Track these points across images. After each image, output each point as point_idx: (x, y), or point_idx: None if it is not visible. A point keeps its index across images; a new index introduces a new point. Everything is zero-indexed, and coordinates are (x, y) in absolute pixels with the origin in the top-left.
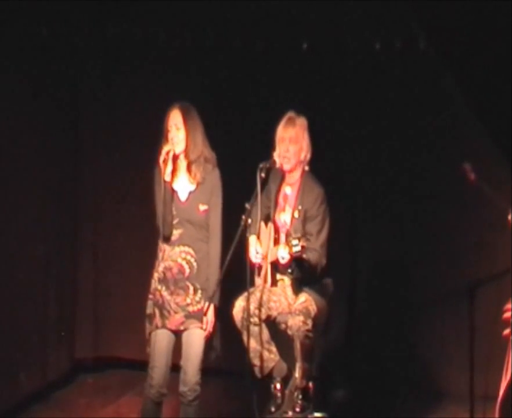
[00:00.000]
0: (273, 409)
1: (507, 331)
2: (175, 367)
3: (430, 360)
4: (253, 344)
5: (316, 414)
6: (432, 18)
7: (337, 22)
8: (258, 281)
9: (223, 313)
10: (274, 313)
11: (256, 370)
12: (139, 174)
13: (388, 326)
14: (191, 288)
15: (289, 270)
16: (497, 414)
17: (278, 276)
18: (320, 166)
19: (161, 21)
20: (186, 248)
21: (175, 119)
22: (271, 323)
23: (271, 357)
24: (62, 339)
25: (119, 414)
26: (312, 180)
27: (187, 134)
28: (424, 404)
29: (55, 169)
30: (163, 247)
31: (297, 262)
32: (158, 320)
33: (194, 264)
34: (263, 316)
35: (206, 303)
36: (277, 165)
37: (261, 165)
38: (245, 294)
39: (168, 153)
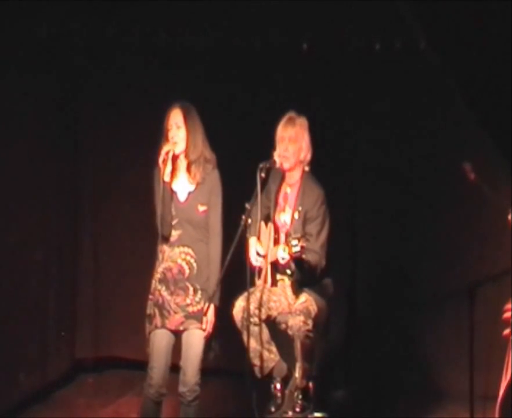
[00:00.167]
0: (273, 409)
1: (507, 331)
2: (175, 368)
3: (430, 360)
4: (253, 344)
5: (316, 414)
6: (432, 18)
7: (337, 22)
8: (258, 281)
9: (223, 313)
10: (274, 313)
11: (256, 370)
12: (139, 174)
13: (388, 326)
14: (191, 288)
15: (289, 272)
16: (497, 414)
17: (278, 276)
18: (320, 167)
19: (161, 21)
20: (186, 249)
21: (176, 118)
22: (271, 323)
23: (271, 357)
24: (62, 339)
25: (119, 414)
26: (312, 181)
27: (187, 134)
28: (424, 404)
29: (55, 169)
30: (163, 248)
31: (297, 263)
32: (157, 320)
33: (194, 264)
34: (263, 316)
35: (206, 304)
36: (277, 165)
37: (261, 165)
38: (245, 294)
39: (167, 153)
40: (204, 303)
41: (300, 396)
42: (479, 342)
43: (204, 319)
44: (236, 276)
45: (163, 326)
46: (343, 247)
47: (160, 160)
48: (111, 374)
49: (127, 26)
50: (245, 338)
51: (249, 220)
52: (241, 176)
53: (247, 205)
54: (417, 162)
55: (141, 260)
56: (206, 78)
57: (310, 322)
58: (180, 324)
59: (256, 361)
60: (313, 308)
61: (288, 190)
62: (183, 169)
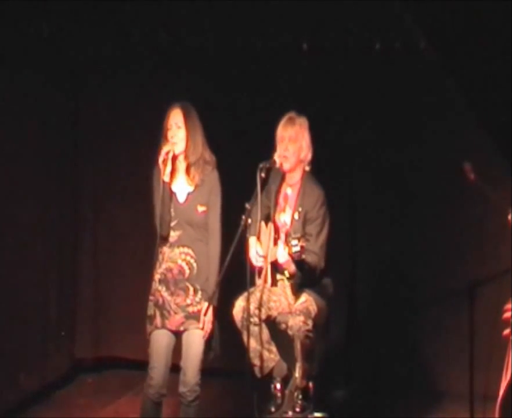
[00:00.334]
0: (273, 409)
1: (507, 331)
2: (175, 368)
3: (430, 360)
4: (253, 344)
5: (316, 414)
6: (432, 18)
7: (337, 22)
8: (258, 281)
9: (223, 313)
10: (274, 313)
11: (256, 370)
12: (139, 174)
13: (388, 326)
14: (191, 289)
15: (287, 275)
16: (497, 414)
17: (278, 276)
18: (320, 167)
19: (161, 21)
20: (186, 249)
21: (176, 118)
22: (271, 323)
23: (271, 357)
24: (63, 339)
25: (119, 414)
26: (312, 182)
27: (187, 135)
28: (424, 404)
29: (55, 170)
30: (163, 248)
31: (297, 263)
32: (158, 321)
33: (194, 265)
34: (263, 316)
35: (205, 303)
36: (277, 165)
37: (261, 165)
38: (245, 294)
39: (167, 153)
40: (204, 304)
41: (300, 396)
42: (479, 342)
43: (202, 318)
44: (236, 276)
45: (163, 326)
46: (343, 247)
47: (160, 160)
48: (111, 374)
49: (127, 26)
50: (245, 338)
51: (249, 220)
52: (241, 176)
53: (247, 205)
54: (417, 162)
55: (141, 261)
56: (207, 78)
57: (310, 322)
58: (180, 324)
59: (256, 361)
60: (313, 308)
61: (289, 190)
62: (182, 170)
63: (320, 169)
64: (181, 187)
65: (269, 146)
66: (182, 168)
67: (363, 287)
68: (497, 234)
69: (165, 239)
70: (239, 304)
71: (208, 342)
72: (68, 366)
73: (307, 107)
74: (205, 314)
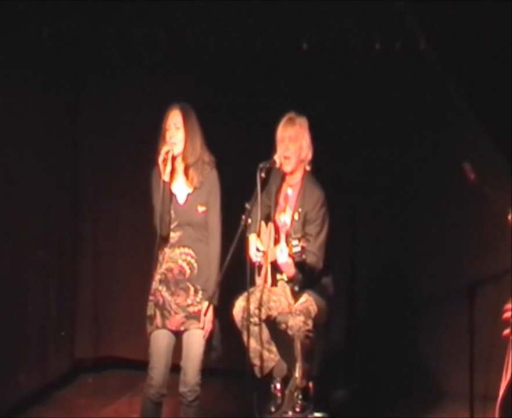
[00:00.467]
0: (273, 409)
1: (507, 331)
2: (175, 368)
3: (430, 360)
4: (253, 344)
5: (316, 414)
6: (432, 18)
7: (337, 22)
8: (258, 281)
9: (223, 313)
10: (274, 313)
11: (256, 370)
12: (139, 174)
13: (388, 326)
14: (192, 289)
15: (285, 278)
16: (497, 414)
17: (278, 276)
18: (320, 167)
19: (161, 21)
20: (186, 250)
21: (175, 119)
22: (272, 323)
23: (271, 357)
24: (63, 339)
25: (119, 414)
26: (312, 183)
27: (186, 136)
28: (424, 404)
29: (55, 170)
30: (163, 249)
31: (298, 265)
32: (158, 321)
33: (195, 265)
34: (263, 316)
35: (205, 303)
36: (277, 165)
37: (261, 165)
38: (245, 294)
39: (167, 153)
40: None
41: (300, 396)
42: (479, 342)
43: (202, 318)
44: (236, 276)
45: (164, 327)
46: (343, 247)
47: (160, 159)
48: (111, 374)
49: (127, 26)
50: (245, 338)
51: (249, 220)
52: (241, 176)
53: (247, 205)
54: (417, 162)
55: (141, 260)
56: (206, 78)
57: (310, 322)
58: (180, 324)
59: (256, 361)
60: (313, 308)
61: (289, 191)
62: (181, 172)
63: (320, 169)
64: (181, 188)
65: (269, 146)
66: (181, 169)
67: (363, 287)
68: (497, 234)
69: (165, 240)
70: (239, 304)
71: (209, 342)
72: (68, 366)
73: (307, 107)
74: (205, 314)
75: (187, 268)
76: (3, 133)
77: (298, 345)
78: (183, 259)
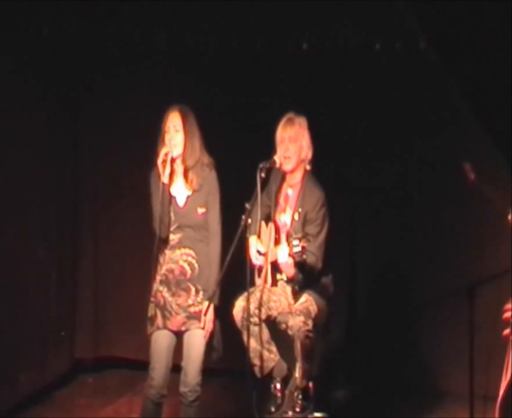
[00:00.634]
0: (273, 409)
1: (507, 331)
2: (176, 368)
3: (430, 360)
4: (253, 344)
5: (316, 414)
6: (432, 18)
7: (337, 22)
8: (258, 281)
9: (224, 313)
10: (274, 313)
11: (256, 370)
12: (139, 174)
13: (388, 326)
14: (193, 289)
15: (285, 279)
16: (497, 414)
17: (278, 276)
18: (320, 166)
19: (161, 21)
20: (187, 250)
21: (174, 121)
22: (272, 323)
23: (271, 357)
24: (63, 339)
25: (119, 414)
26: (312, 183)
27: (185, 138)
28: (424, 404)
29: (55, 170)
30: (163, 251)
31: (299, 265)
32: (159, 321)
33: (196, 265)
34: (263, 316)
35: (206, 303)
36: (277, 165)
37: (261, 165)
38: (245, 294)
39: (166, 154)
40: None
41: (300, 396)
42: (479, 342)
43: (203, 318)
44: (236, 276)
45: (165, 327)
46: (343, 247)
47: (159, 161)
48: (111, 374)
49: (127, 26)
50: (245, 338)
51: (249, 220)
52: (241, 176)
53: (247, 205)
54: (417, 161)
55: (142, 261)
56: (207, 78)
57: (310, 322)
58: (181, 324)
59: (256, 361)
60: (313, 308)
61: (289, 191)
62: (180, 174)
63: (320, 169)
64: (180, 190)
65: (269, 146)
66: (180, 171)
67: (363, 287)
68: (497, 234)
69: (164, 241)
70: (239, 304)
71: (210, 342)
72: (68, 366)
73: (307, 107)
74: (205, 314)
75: (188, 268)
76: (3, 133)
77: (298, 345)
78: (184, 259)
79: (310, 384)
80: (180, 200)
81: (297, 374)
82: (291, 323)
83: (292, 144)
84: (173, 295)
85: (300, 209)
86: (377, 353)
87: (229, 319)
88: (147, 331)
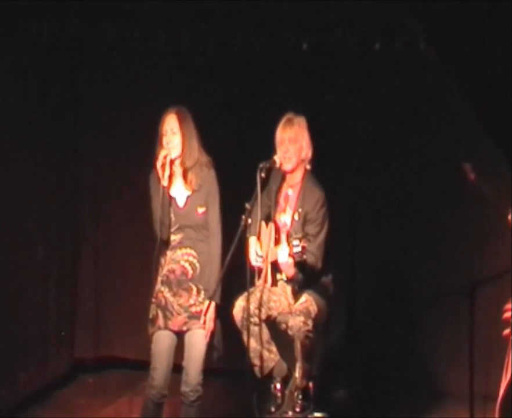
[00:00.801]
0: (273, 409)
1: (507, 331)
2: (176, 367)
3: (430, 360)
4: (253, 344)
5: (316, 414)
6: (433, 18)
7: (337, 22)
8: (258, 281)
9: (224, 313)
10: (274, 313)
11: (256, 370)
12: (139, 174)
13: (388, 326)
14: (195, 289)
15: (285, 278)
16: (497, 414)
17: (278, 276)
18: (320, 167)
19: (161, 21)
20: (188, 250)
21: (171, 124)
22: (272, 323)
23: (271, 357)
24: (62, 339)
25: (119, 414)
26: (313, 183)
27: (183, 140)
28: (424, 404)
29: (55, 170)
30: (164, 252)
31: (299, 265)
32: (160, 321)
33: (197, 265)
34: (263, 316)
35: (206, 302)
36: (277, 165)
37: (261, 165)
38: (245, 294)
39: (165, 157)
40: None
41: (300, 396)
42: (479, 342)
43: (203, 317)
44: (236, 275)
45: (166, 327)
46: (343, 247)
47: (158, 164)
48: (111, 374)
49: (127, 26)
50: (245, 338)
51: (249, 220)
52: (241, 176)
53: (247, 205)
54: (417, 161)
55: (142, 260)
56: (206, 78)
57: (310, 322)
58: (183, 324)
59: (256, 361)
60: (313, 308)
61: (290, 191)
62: (180, 175)
63: (320, 169)
64: (180, 191)
65: (269, 146)
66: (179, 172)
67: (363, 287)
68: (497, 234)
69: (165, 243)
70: (239, 304)
71: (211, 342)
72: (68, 366)
73: (307, 107)
74: (205, 313)
75: (189, 268)
76: (3, 133)
77: (298, 345)
78: (185, 259)
79: (310, 384)
80: (180, 201)
81: (297, 374)
82: (291, 323)
83: (292, 145)
84: (174, 295)
85: (300, 209)
86: (377, 353)
87: (229, 319)
88: (148, 331)
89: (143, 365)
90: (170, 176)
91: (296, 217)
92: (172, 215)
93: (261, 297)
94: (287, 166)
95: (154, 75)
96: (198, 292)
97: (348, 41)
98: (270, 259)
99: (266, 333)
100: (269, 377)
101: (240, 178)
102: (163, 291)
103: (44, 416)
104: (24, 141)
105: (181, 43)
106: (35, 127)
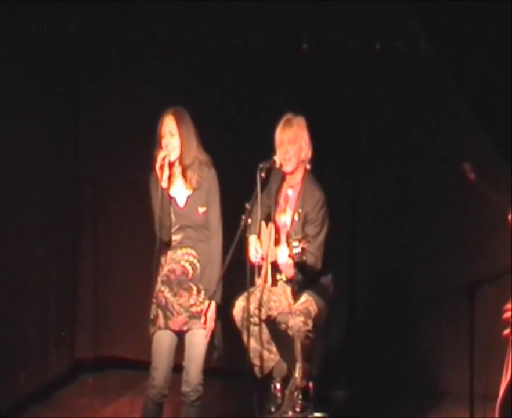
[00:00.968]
0: (273, 409)
1: (507, 331)
2: (177, 367)
3: (430, 360)
4: (253, 344)
5: (316, 414)
6: (432, 18)
7: (337, 22)
8: (258, 281)
9: (224, 313)
10: (274, 313)
11: (256, 370)
12: (140, 174)
13: (388, 326)
14: (195, 289)
15: (290, 283)
16: (497, 414)
17: (278, 276)
18: (320, 167)
19: (161, 21)
20: (188, 250)
21: (169, 126)
22: (272, 323)
23: (271, 357)
24: (62, 339)
25: (119, 414)
26: (313, 183)
27: (181, 141)
28: (424, 404)
29: (55, 170)
30: (165, 252)
31: (298, 266)
32: (161, 321)
33: (197, 265)
34: (263, 316)
35: (207, 301)
36: (277, 165)
37: (261, 165)
38: (245, 294)
39: (164, 158)
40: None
41: (300, 396)
42: (479, 342)
43: (203, 317)
44: (236, 275)
45: (166, 327)
46: (343, 247)
47: (157, 166)
48: (111, 374)
49: (127, 26)
50: (245, 338)
51: (249, 220)
52: (241, 176)
53: (247, 205)
54: (417, 161)
55: (142, 261)
56: (207, 78)
57: (310, 322)
58: (183, 324)
59: (256, 361)
60: (313, 308)
61: (290, 191)
62: (179, 175)
63: (320, 170)
64: (180, 191)
65: (269, 146)
66: (179, 172)
67: (363, 287)
68: (497, 234)
69: (166, 244)
70: (239, 304)
71: (211, 341)
72: (68, 366)
73: (307, 107)
74: (206, 313)
75: (189, 268)
76: (3, 133)
77: (298, 345)
78: (186, 259)
79: (310, 384)
80: (181, 201)
81: (297, 374)
82: (291, 323)
83: (292, 145)
84: (174, 295)
85: (300, 210)
86: (377, 353)
87: (229, 319)
88: (149, 331)
89: (143, 365)
90: (170, 177)
91: (296, 217)
92: (173, 215)
93: (261, 297)
94: (287, 168)
95: (154, 74)
96: (199, 292)
97: (348, 41)
98: (270, 259)
99: (266, 333)
100: (269, 377)
101: (240, 178)
102: (163, 291)
103: (44, 416)
104: (24, 141)
105: (181, 43)
106: (35, 127)
